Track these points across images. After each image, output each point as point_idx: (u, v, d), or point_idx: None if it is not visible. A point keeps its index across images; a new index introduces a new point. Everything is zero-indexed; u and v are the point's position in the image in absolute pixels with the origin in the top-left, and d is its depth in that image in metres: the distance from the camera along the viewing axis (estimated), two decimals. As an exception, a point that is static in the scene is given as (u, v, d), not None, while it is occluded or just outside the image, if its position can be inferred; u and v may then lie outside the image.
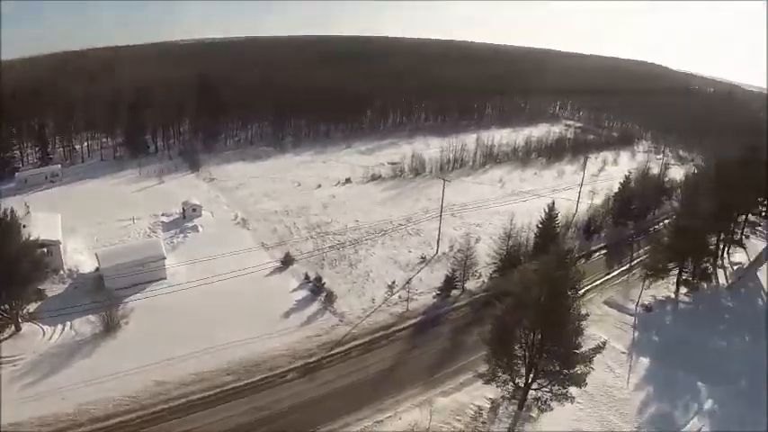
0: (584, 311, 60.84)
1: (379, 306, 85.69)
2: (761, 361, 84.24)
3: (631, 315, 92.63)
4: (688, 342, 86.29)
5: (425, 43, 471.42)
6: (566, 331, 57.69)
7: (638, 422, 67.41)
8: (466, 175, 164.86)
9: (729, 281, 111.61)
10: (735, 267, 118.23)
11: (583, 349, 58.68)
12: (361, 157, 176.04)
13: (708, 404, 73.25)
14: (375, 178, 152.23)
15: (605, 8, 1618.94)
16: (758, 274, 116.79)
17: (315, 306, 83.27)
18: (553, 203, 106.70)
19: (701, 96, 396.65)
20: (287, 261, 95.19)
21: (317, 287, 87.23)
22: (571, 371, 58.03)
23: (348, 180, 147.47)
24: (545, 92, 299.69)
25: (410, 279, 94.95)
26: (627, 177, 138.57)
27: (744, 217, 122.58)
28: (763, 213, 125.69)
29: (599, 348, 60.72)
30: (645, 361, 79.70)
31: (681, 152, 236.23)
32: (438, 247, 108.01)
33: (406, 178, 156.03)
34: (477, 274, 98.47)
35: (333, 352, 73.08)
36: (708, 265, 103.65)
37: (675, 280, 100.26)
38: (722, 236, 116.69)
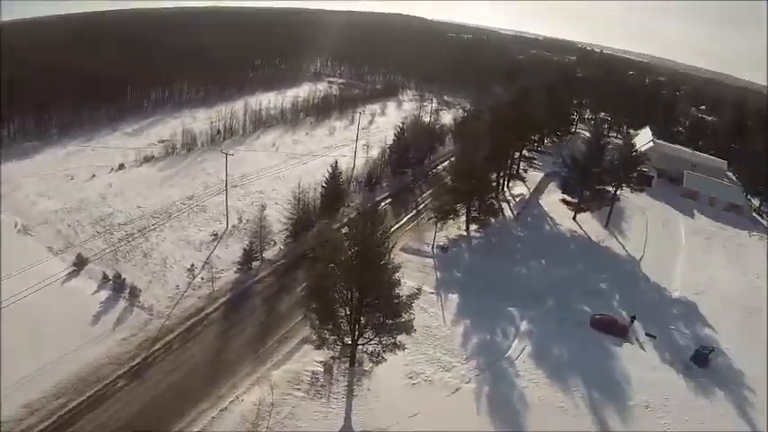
0: (396, 262, 65.80)
1: (185, 291, 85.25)
2: (560, 281, 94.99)
3: (430, 257, 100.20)
4: (489, 274, 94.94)
5: (186, 12, 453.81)
6: (384, 285, 62.04)
7: (465, 354, 74.32)
8: (239, 144, 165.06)
9: (515, 212, 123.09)
10: (517, 199, 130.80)
11: (401, 297, 63.26)
12: (130, 140, 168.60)
13: (524, 326, 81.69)
14: (148, 160, 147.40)
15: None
16: (540, 202, 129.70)
17: (121, 305, 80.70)
18: (336, 163, 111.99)
19: (459, 43, 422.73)
20: (80, 263, 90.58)
21: (117, 284, 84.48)
22: (397, 320, 62.47)
23: (122, 166, 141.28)
24: (305, 51, 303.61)
25: (208, 258, 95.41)
26: (401, 128, 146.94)
27: (519, 153, 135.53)
28: (538, 148, 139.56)
29: (416, 294, 65.24)
30: (454, 297, 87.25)
31: (446, 97, 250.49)
32: (227, 221, 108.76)
33: (179, 155, 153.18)
34: (273, 242, 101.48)
35: (154, 348, 72.00)
36: (492, 200, 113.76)
37: (465, 219, 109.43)
38: (502, 172, 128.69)
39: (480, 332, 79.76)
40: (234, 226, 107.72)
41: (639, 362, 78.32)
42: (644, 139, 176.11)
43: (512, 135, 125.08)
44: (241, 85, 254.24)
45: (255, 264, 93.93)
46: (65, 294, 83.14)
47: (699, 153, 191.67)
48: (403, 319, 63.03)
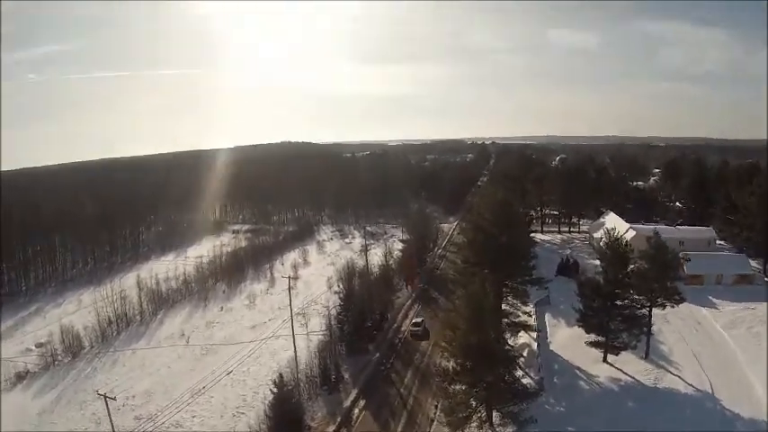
0: None
1: None
2: None
3: None
4: None
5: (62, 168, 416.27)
6: None
7: None
8: (137, 337, 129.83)
9: (535, 376, 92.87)
10: (525, 353, 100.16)
11: None
12: (3, 346, 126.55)
13: None
14: (22, 377, 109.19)
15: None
16: (551, 348, 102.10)
17: None
18: (281, 377, 78.69)
19: (359, 161, 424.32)
20: None
21: None
22: None
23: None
24: (197, 199, 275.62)
25: None
26: (346, 291, 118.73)
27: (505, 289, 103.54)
28: (528, 279, 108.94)
29: None
30: None
31: (368, 227, 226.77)
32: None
33: (61, 365, 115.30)
34: None
35: None
36: (504, 372, 78.63)
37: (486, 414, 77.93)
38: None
39: None
40: None
41: None
42: (616, 227, 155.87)
43: (500, 272, 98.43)
44: (135, 247, 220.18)
45: None
46: None
47: (680, 227, 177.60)
48: None
